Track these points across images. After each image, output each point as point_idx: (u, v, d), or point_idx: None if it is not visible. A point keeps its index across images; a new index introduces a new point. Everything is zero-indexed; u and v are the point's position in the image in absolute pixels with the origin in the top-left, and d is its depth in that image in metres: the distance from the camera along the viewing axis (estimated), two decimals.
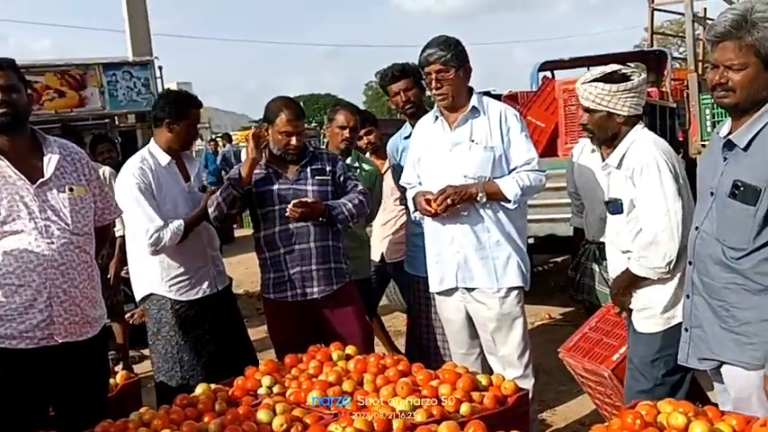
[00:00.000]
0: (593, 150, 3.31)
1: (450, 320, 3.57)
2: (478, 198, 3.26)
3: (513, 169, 3.33)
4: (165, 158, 3.68)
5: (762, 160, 2.29)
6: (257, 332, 6.20)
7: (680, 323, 2.79)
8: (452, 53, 3.29)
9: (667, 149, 3.00)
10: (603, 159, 3.15)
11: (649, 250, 2.88)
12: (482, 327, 3.44)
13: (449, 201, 3.23)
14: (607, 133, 3.06)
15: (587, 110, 3.07)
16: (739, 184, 2.33)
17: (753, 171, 2.31)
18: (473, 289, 3.40)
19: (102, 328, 2.96)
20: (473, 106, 3.36)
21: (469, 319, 3.48)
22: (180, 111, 3.68)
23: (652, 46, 11.79)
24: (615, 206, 3.04)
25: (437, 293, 3.55)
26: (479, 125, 3.35)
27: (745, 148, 2.34)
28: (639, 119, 3.08)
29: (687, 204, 2.89)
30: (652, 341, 2.98)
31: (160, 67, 6.71)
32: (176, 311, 3.65)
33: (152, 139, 3.81)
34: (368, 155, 4.82)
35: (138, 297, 3.80)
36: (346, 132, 4.28)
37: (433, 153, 3.44)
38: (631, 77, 3.03)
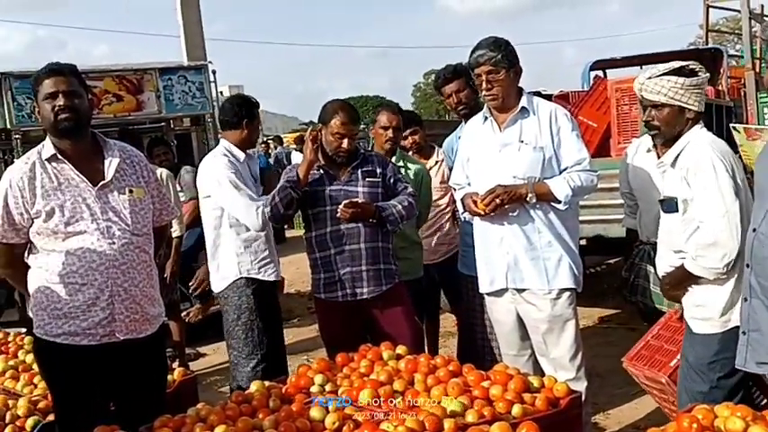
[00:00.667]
0: (648, 150, 3.25)
1: (500, 322, 3.56)
2: (528, 199, 3.24)
3: (564, 169, 3.31)
4: (241, 155, 4.02)
5: None
6: (309, 331, 6.30)
7: (737, 326, 2.73)
8: (502, 54, 3.28)
9: (725, 149, 2.93)
10: (659, 158, 3.10)
11: (708, 251, 2.83)
12: (533, 329, 3.42)
13: (497, 200, 3.22)
14: (675, 130, 2.99)
15: (656, 105, 2.97)
16: None
17: None
18: (524, 290, 3.38)
19: (160, 326, 3.05)
20: (522, 106, 3.35)
21: (520, 320, 3.46)
22: (251, 112, 4.11)
23: (707, 43, 11.51)
24: (669, 205, 2.98)
25: (487, 294, 3.54)
26: (529, 125, 3.33)
27: None
28: (701, 117, 3.02)
29: (745, 205, 2.83)
30: (709, 343, 2.92)
31: (214, 72, 6.86)
32: (257, 295, 3.95)
33: (222, 140, 4.16)
34: (410, 154, 4.85)
35: (220, 287, 4.02)
36: (390, 132, 4.32)
37: (482, 154, 3.44)
38: (698, 73, 2.98)
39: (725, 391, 2.88)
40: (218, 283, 4.04)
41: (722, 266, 2.82)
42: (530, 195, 3.24)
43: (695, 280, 2.94)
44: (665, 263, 3.09)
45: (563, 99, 7.06)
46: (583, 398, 3.08)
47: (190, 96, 6.66)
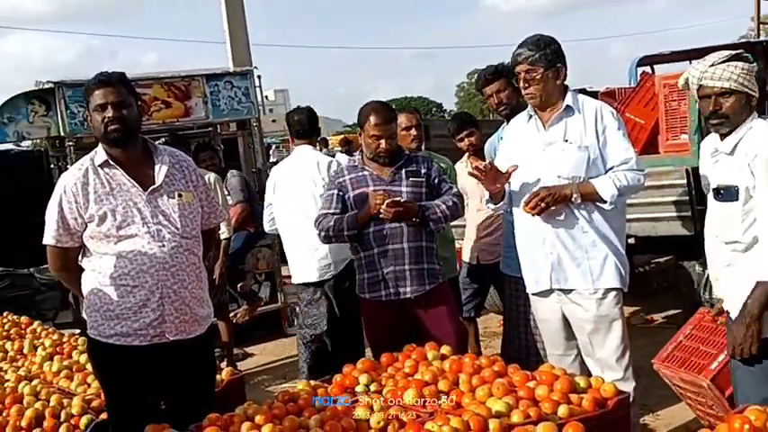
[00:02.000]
0: None
1: (546, 321, 3.52)
2: (573, 199, 3.20)
3: (610, 168, 3.24)
4: None
5: None
6: None
7: None
8: (541, 53, 3.24)
9: None
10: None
11: None
12: (579, 329, 3.38)
13: (542, 204, 3.19)
14: (742, 118, 2.81)
15: (723, 93, 2.79)
16: None
17: None
18: (569, 290, 3.34)
19: (209, 327, 3.11)
20: (567, 105, 3.30)
21: (566, 320, 3.42)
22: None
23: (759, 36, 11.19)
24: (729, 193, 2.80)
25: (533, 294, 3.51)
26: (574, 124, 3.29)
27: None
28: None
29: None
30: None
31: (259, 77, 6.95)
32: None
33: (304, 146, 4.73)
34: (466, 156, 4.87)
35: (335, 270, 4.48)
36: (413, 131, 4.45)
37: (526, 153, 3.39)
38: (750, 59, 2.84)
39: None
40: (329, 269, 4.48)
41: None
42: (575, 195, 3.19)
43: None
44: (715, 257, 2.95)
45: (609, 96, 6.94)
46: (631, 398, 3.03)
47: (236, 102, 6.76)
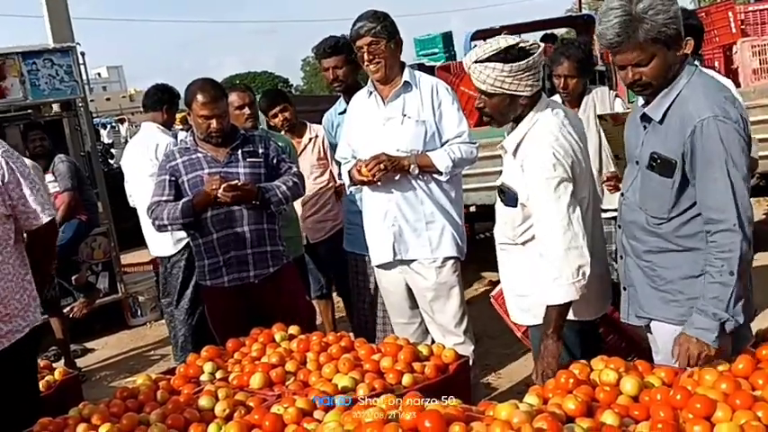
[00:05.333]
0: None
1: (390, 292, 3.61)
2: (411, 170, 3.30)
3: (446, 142, 3.37)
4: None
5: (674, 133, 2.35)
6: None
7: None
8: (382, 25, 3.33)
9: (565, 144, 2.60)
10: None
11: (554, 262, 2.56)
12: (420, 297, 3.50)
13: (381, 166, 3.25)
14: (508, 117, 2.68)
15: (484, 93, 2.64)
16: (656, 156, 2.40)
17: (667, 143, 2.37)
18: (411, 261, 3.44)
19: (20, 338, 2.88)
20: (405, 81, 3.39)
21: (409, 289, 3.53)
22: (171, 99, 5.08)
23: (580, 11, 11.96)
24: (509, 197, 2.70)
25: (378, 266, 3.58)
26: (412, 99, 3.38)
27: (661, 121, 2.40)
28: (541, 94, 2.70)
29: (592, 200, 2.72)
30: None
31: (83, 53, 6.48)
32: None
33: (148, 124, 4.91)
34: (284, 133, 4.81)
35: None
36: (246, 110, 4.31)
37: (367, 128, 3.46)
38: (531, 52, 2.59)
39: None
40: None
41: (580, 276, 2.54)
42: (412, 167, 3.29)
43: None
44: (505, 258, 2.87)
45: (445, 70, 7.16)
46: (471, 361, 3.18)
47: (57, 80, 6.25)
